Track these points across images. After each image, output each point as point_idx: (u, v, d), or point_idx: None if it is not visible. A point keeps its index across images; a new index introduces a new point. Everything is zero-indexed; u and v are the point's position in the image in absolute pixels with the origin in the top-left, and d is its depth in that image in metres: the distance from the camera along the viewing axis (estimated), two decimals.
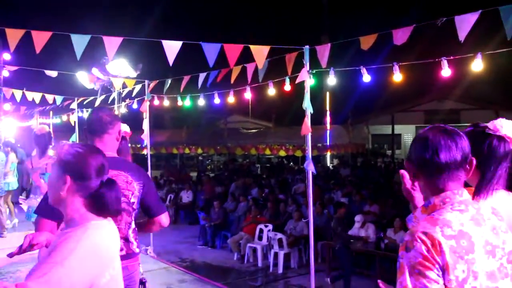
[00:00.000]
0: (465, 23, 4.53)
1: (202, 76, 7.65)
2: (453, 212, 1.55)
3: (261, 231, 9.73)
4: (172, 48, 5.73)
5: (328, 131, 17.15)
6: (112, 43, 5.54)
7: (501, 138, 2.05)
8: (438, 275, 1.45)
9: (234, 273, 8.85)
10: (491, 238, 1.55)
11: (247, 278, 8.57)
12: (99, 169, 1.90)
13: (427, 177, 1.63)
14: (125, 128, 3.81)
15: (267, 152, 21.02)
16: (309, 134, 5.81)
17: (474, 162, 1.66)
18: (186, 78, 8.11)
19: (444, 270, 1.46)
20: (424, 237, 1.48)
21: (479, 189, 1.95)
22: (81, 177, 1.86)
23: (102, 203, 1.88)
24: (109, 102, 10.70)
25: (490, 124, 2.12)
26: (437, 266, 1.45)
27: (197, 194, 14.59)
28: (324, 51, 5.72)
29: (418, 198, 1.74)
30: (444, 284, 1.46)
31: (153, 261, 7.59)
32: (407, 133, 30.65)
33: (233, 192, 13.24)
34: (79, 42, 5.42)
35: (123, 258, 3.09)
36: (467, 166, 1.63)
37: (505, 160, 2.02)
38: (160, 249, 9.77)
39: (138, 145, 21.28)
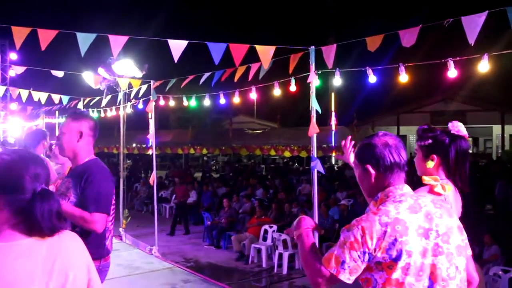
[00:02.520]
0: (472, 24, 4.50)
1: (206, 74, 7.65)
2: (393, 203, 1.85)
3: (265, 231, 9.73)
4: (177, 47, 5.74)
5: (333, 132, 17.12)
6: (117, 42, 5.56)
7: (465, 138, 2.42)
8: (359, 256, 1.78)
9: (238, 273, 8.85)
10: (423, 222, 1.83)
11: (252, 278, 8.57)
12: (32, 178, 1.59)
13: (385, 175, 1.93)
14: None
15: (272, 152, 21.02)
16: (314, 135, 5.80)
17: (436, 159, 2.13)
18: (189, 78, 8.12)
19: (377, 250, 1.77)
20: (362, 224, 1.80)
21: (463, 184, 2.38)
22: (7, 189, 1.55)
23: (31, 219, 1.55)
24: (117, 103, 10.72)
25: (452, 127, 2.44)
26: (365, 249, 1.77)
27: (201, 194, 14.61)
28: (330, 52, 5.71)
29: None
30: (379, 261, 1.78)
31: (158, 261, 7.60)
32: (413, 134, 30.54)
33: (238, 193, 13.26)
34: (84, 40, 5.44)
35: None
36: (406, 168, 1.96)
37: (468, 157, 2.42)
38: (165, 249, 9.79)
39: (144, 145, 21.35)
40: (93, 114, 12.17)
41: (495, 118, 23.79)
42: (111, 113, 11.64)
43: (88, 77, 9.58)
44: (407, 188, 1.94)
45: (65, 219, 2.18)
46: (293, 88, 6.75)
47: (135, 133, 19.93)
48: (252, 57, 6.20)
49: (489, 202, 14.42)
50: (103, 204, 2.89)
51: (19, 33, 5.47)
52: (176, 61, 5.68)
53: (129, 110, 10.19)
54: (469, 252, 2.08)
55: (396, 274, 1.77)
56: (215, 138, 24.15)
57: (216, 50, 5.74)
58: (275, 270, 8.80)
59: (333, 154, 19.97)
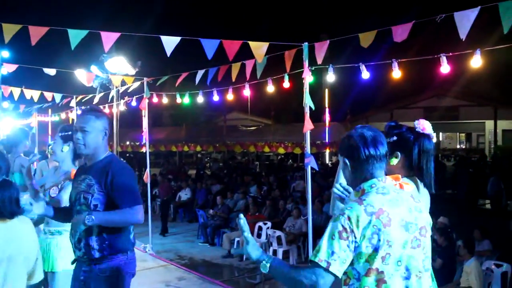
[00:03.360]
0: (464, 20, 4.51)
1: (200, 72, 7.62)
2: (377, 195, 1.92)
3: (260, 228, 9.74)
4: (170, 43, 5.72)
5: (327, 128, 17.13)
6: (109, 38, 5.53)
7: (429, 137, 2.45)
8: (348, 245, 1.82)
9: (233, 270, 8.85)
10: (405, 216, 1.91)
11: (246, 275, 8.57)
12: None
13: (362, 167, 1.99)
14: None
15: (266, 149, 21.01)
16: (308, 131, 5.80)
17: (400, 156, 2.25)
18: (183, 75, 8.08)
19: (361, 238, 1.82)
20: (348, 213, 1.85)
21: (429, 183, 2.42)
22: None
23: None
24: (108, 100, 10.67)
25: (417, 125, 2.46)
26: (352, 238, 1.82)
27: (196, 192, 14.59)
28: (322, 48, 5.70)
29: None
30: (361, 251, 1.83)
31: (152, 259, 7.59)
32: None
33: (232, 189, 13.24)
34: (76, 36, 5.40)
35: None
36: (387, 157, 2.03)
37: (433, 155, 2.46)
38: (159, 247, 9.76)
39: (137, 143, 21.27)
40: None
41: (488, 113, 23.94)
42: (104, 110, 11.59)
43: (81, 75, 9.53)
44: (389, 181, 2.00)
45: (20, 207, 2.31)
46: (286, 84, 6.74)
47: (129, 130, 19.87)
48: (245, 54, 6.18)
49: (482, 197, 14.51)
50: (136, 196, 3.01)
51: (10, 31, 5.42)
52: (168, 55, 5.65)
53: (122, 107, 10.15)
54: None
55: (377, 264, 1.84)
56: (209, 135, 24.10)
57: (209, 46, 5.72)
58: None
59: (327, 150, 20.01)
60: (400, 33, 4.96)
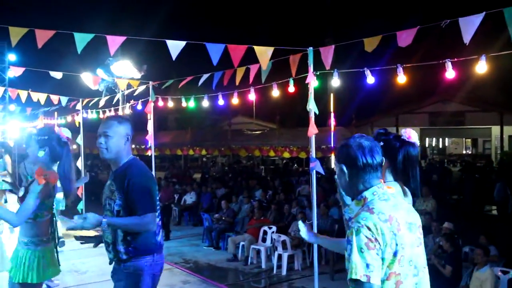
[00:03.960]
0: (469, 25, 4.51)
1: (205, 76, 7.65)
2: (381, 201, 2.01)
3: (265, 232, 9.73)
4: (176, 47, 5.74)
5: (332, 133, 17.11)
6: (115, 42, 5.56)
7: (414, 145, 2.56)
8: (377, 253, 1.87)
9: (237, 274, 8.85)
10: (407, 218, 2.03)
11: (251, 279, 8.56)
12: None
13: (359, 176, 2.06)
14: (66, 133, 3.89)
15: (271, 153, 20.99)
16: (313, 136, 5.80)
17: (385, 162, 2.23)
18: (188, 78, 8.11)
19: (385, 245, 1.89)
20: (366, 223, 1.90)
21: (412, 188, 2.55)
22: None
23: None
24: (113, 103, 10.72)
25: (404, 133, 2.58)
26: (378, 245, 1.87)
27: (201, 196, 14.60)
28: (328, 53, 5.71)
29: None
30: (383, 257, 1.89)
31: None
32: None
33: (237, 194, 13.25)
34: (82, 40, 5.45)
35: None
36: (382, 166, 2.10)
37: (417, 162, 2.59)
38: (164, 250, 9.78)
39: (143, 146, 21.31)
40: (92, 115, 12.17)
41: (494, 119, 23.82)
42: (109, 114, 11.64)
43: (87, 78, 9.59)
44: (385, 187, 2.10)
45: None
46: (291, 89, 6.75)
47: (134, 134, 19.89)
48: (250, 58, 6.20)
49: (489, 203, 14.43)
50: (149, 204, 3.04)
51: (17, 34, 5.46)
52: (174, 59, 5.68)
53: (128, 111, 10.19)
54: None
55: (395, 267, 1.93)
56: (214, 139, 24.12)
57: (214, 50, 5.75)
58: (274, 271, 8.79)
59: (333, 155, 19.96)
60: (405, 38, 4.96)
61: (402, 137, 2.57)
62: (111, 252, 3.15)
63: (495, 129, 25.37)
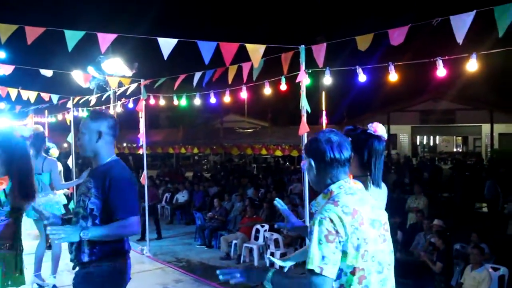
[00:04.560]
0: (461, 24, 4.53)
1: (197, 75, 7.62)
2: (347, 195, 2.03)
3: (257, 231, 9.73)
4: (167, 44, 5.71)
5: None
6: (106, 39, 5.52)
7: (379, 138, 2.64)
8: (336, 247, 1.90)
9: None
10: (371, 214, 2.03)
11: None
12: None
13: (327, 170, 2.10)
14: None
15: (263, 152, 20.98)
16: (305, 134, 5.80)
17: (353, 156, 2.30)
18: (181, 77, 8.08)
19: (346, 238, 1.92)
20: (329, 215, 1.93)
21: (375, 179, 2.61)
22: None
23: None
24: (102, 100, 10.64)
25: (370, 127, 2.67)
26: (338, 238, 1.90)
27: (193, 194, 14.57)
28: (320, 51, 5.71)
29: None
30: (346, 250, 1.92)
31: (149, 261, 7.58)
32: (403, 133, 30.71)
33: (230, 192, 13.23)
34: (72, 37, 5.40)
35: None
36: (351, 161, 2.14)
37: (382, 155, 2.67)
38: (156, 249, 9.74)
39: (134, 145, 21.24)
40: (83, 113, 12.09)
41: (484, 117, 24.00)
42: (108, 113, 11.56)
43: (78, 76, 9.52)
44: (352, 182, 2.14)
45: None
46: (283, 87, 6.75)
47: (126, 132, 19.83)
48: (242, 56, 6.18)
49: (479, 201, 14.53)
50: (132, 207, 2.93)
51: (6, 31, 5.41)
52: (165, 58, 5.65)
53: (119, 109, 10.14)
54: None
55: (359, 262, 1.95)
56: (206, 137, 24.06)
57: (206, 48, 5.72)
58: None
59: None
60: (397, 36, 4.98)
61: (368, 131, 2.66)
62: (73, 253, 2.97)
63: (486, 127, 25.56)
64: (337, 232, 1.91)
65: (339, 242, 1.91)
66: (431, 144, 37.33)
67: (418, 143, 35.00)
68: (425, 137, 36.35)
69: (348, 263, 1.94)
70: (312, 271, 1.88)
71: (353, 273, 1.94)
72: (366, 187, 2.54)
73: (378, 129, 2.68)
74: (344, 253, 1.93)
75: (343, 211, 1.95)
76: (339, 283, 1.96)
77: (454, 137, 35.99)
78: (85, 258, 2.92)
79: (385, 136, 2.71)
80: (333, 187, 2.09)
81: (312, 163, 2.14)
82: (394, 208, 10.59)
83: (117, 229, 2.88)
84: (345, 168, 2.11)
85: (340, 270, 1.95)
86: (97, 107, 11.42)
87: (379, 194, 2.64)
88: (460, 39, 4.50)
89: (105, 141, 3.06)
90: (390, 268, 2.08)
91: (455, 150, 35.76)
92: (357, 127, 2.73)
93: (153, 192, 13.63)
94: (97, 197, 2.92)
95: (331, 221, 1.92)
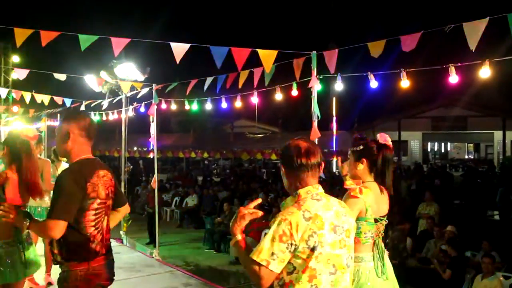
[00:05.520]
0: (474, 31, 4.52)
1: (209, 80, 7.67)
2: (312, 200, 2.17)
3: None
4: (179, 49, 5.76)
5: (334, 137, 17.11)
6: (119, 43, 5.59)
7: (389, 148, 2.86)
8: (287, 247, 2.05)
9: (238, 277, 8.84)
10: (334, 220, 2.17)
11: (252, 282, 8.54)
12: None
13: (295, 174, 2.23)
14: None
15: (273, 157, 20.95)
16: (316, 140, 5.81)
17: (365, 163, 2.83)
18: (192, 82, 8.12)
19: (300, 240, 2.05)
20: (289, 218, 2.08)
21: (389, 185, 2.87)
22: None
23: None
24: (114, 103, 10.71)
25: (380, 137, 2.89)
26: (291, 241, 2.05)
27: (203, 198, 14.60)
28: (332, 57, 5.72)
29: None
30: (299, 250, 2.06)
31: (158, 265, 7.60)
32: (414, 140, 30.50)
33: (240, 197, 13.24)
34: (86, 41, 5.47)
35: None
36: (320, 167, 2.27)
37: (392, 165, 2.93)
38: (165, 252, 9.78)
39: (145, 149, 21.33)
40: (95, 117, 12.19)
41: (496, 124, 23.76)
42: (112, 116, 11.67)
43: (90, 80, 9.61)
44: (321, 188, 2.26)
45: None
46: (295, 92, 6.76)
47: (137, 136, 19.94)
48: (254, 61, 6.21)
49: (491, 208, 14.38)
50: (58, 210, 2.76)
51: (21, 34, 5.49)
52: (178, 63, 5.69)
53: (131, 113, 10.21)
54: None
55: (312, 262, 2.09)
56: (216, 142, 24.12)
57: (218, 53, 5.76)
58: None
59: (334, 159, 19.93)
60: (409, 42, 4.97)
61: (379, 141, 2.87)
62: (51, 251, 2.95)
63: (498, 134, 25.30)
64: (291, 235, 2.05)
65: (291, 244, 2.06)
66: (442, 150, 37.08)
67: (429, 150, 34.78)
68: (436, 143, 36.11)
69: (302, 262, 2.08)
70: (256, 263, 2.06)
71: (304, 271, 2.08)
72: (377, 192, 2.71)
73: (387, 139, 2.87)
74: (298, 253, 2.07)
75: (304, 216, 2.09)
76: (290, 278, 2.11)
77: (466, 144, 35.70)
78: (58, 258, 2.91)
79: (391, 145, 2.94)
80: (301, 191, 2.22)
81: (282, 167, 2.31)
82: (405, 214, 10.54)
83: (39, 228, 2.92)
84: (313, 172, 2.24)
85: (293, 267, 2.10)
86: (109, 111, 11.53)
87: (384, 198, 2.83)
88: (473, 46, 4.48)
89: (75, 142, 2.93)
90: (344, 271, 2.18)
91: (466, 157, 35.47)
92: (364, 136, 2.93)
93: (150, 198, 13.59)
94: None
95: (290, 224, 2.06)
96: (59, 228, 2.75)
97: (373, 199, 2.83)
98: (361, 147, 2.88)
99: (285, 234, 2.06)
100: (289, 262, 2.11)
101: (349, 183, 2.84)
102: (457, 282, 7.22)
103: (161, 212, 14.99)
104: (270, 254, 2.05)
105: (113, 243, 8.39)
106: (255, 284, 2.15)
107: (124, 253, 7.96)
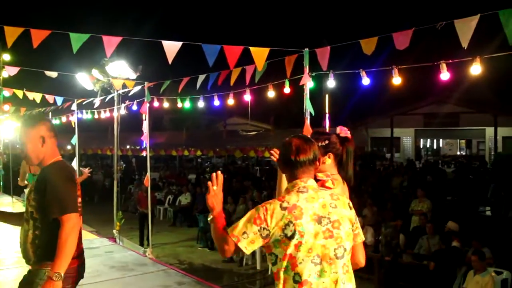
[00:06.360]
0: (465, 28, 4.53)
1: (201, 78, 7.64)
2: (296, 193, 2.26)
3: None
4: (171, 48, 5.73)
5: None
6: (111, 42, 5.55)
7: (351, 141, 2.94)
8: (259, 230, 2.18)
9: (232, 275, 8.85)
10: (318, 211, 2.23)
11: (246, 281, 8.56)
12: None
13: (289, 171, 2.35)
14: None
15: (266, 154, 20.96)
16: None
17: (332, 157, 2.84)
18: (185, 80, 8.10)
19: (274, 227, 2.17)
20: (267, 206, 2.22)
21: (350, 177, 2.91)
22: None
23: None
24: (106, 101, 10.66)
25: (340, 131, 2.97)
26: (263, 225, 2.17)
27: (196, 196, 14.58)
28: (324, 54, 5.72)
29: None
30: (277, 238, 2.16)
31: (152, 263, 7.58)
32: (406, 136, 30.65)
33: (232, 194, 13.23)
34: (77, 40, 5.43)
35: None
36: (316, 163, 2.37)
37: (353, 157, 2.97)
38: (159, 251, 9.76)
39: (138, 147, 21.28)
40: (87, 115, 12.13)
41: (488, 120, 23.93)
42: (104, 114, 11.61)
43: (82, 78, 9.56)
44: (311, 182, 2.33)
45: None
46: (287, 90, 6.76)
47: (129, 134, 19.88)
48: (246, 59, 6.20)
49: (482, 204, 14.49)
50: (69, 204, 2.79)
51: (12, 33, 5.44)
52: (170, 62, 5.67)
53: (123, 111, 10.16)
54: (359, 239, 2.39)
55: (290, 250, 2.17)
56: (209, 139, 24.10)
57: (211, 51, 5.74)
58: (269, 272, 8.80)
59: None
60: (402, 40, 4.98)
61: (340, 135, 2.96)
62: (22, 252, 2.91)
63: (489, 131, 25.50)
64: (265, 220, 2.18)
65: (263, 228, 2.18)
66: (435, 147, 37.27)
67: (421, 146, 34.94)
68: (428, 140, 36.29)
69: (281, 249, 2.19)
70: (227, 236, 2.22)
71: (284, 259, 2.18)
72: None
73: (348, 132, 2.99)
74: (277, 241, 2.18)
75: (281, 205, 2.21)
76: (276, 268, 2.22)
77: (458, 140, 35.93)
78: (31, 258, 2.88)
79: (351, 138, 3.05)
80: (289, 185, 2.34)
81: (279, 164, 2.45)
82: (397, 210, 10.59)
83: (65, 241, 2.72)
84: (305, 168, 2.33)
85: (275, 256, 2.22)
86: (101, 110, 11.47)
87: (346, 190, 2.93)
88: (465, 43, 4.49)
89: (48, 144, 2.98)
90: (331, 262, 2.22)
91: (458, 153, 35.69)
92: (324, 131, 3.11)
93: (144, 199, 13.52)
94: (35, 199, 2.86)
95: (266, 210, 2.20)
96: (77, 220, 2.81)
97: (341, 191, 2.91)
98: (327, 141, 2.95)
99: (259, 217, 2.19)
100: (271, 253, 2.23)
101: (321, 175, 2.85)
102: (448, 277, 7.27)
103: (154, 210, 14.95)
104: (242, 233, 2.19)
105: (106, 242, 8.39)
106: (218, 251, 2.30)
107: (117, 252, 7.94)
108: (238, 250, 2.22)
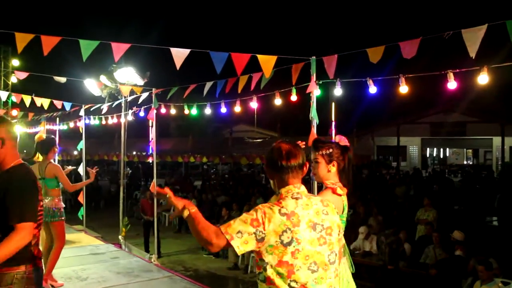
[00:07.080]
0: (473, 38, 4.53)
1: (208, 85, 7.68)
2: (292, 199, 2.27)
3: None
4: (179, 55, 5.77)
5: None
6: (119, 49, 5.60)
7: (349, 149, 3.06)
8: (254, 232, 2.15)
9: (237, 283, 8.83)
10: (313, 217, 2.26)
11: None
12: None
13: (278, 176, 2.35)
14: None
15: None
16: None
17: (336, 165, 3.04)
18: (191, 87, 8.14)
19: (270, 233, 2.15)
20: (266, 210, 2.21)
21: (349, 185, 3.03)
22: None
23: None
24: (113, 107, 10.72)
25: (340, 140, 3.09)
26: (259, 228, 2.15)
27: (201, 203, 14.59)
28: (331, 62, 5.74)
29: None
30: (272, 244, 2.15)
31: (157, 270, 7.58)
32: (413, 145, 30.55)
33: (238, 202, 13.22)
34: (87, 47, 5.48)
35: None
36: (304, 168, 2.38)
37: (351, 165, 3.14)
38: (164, 258, 9.76)
39: (144, 153, 21.34)
40: (95, 121, 12.20)
41: (495, 129, 23.82)
42: (112, 120, 11.67)
43: (90, 84, 9.63)
44: (303, 188, 2.36)
45: None
46: (294, 98, 6.77)
47: (136, 140, 19.96)
48: (253, 66, 6.22)
49: (489, 214, 14.39)
50: (28, 213, 2.75)
51: (22, 39, 5.50)
52: (178, 69, 5.71)
53: (130, 117, 10.21)
54: (341, 243, 2.43)
55: (287, 257, 2.16)
56: (215, 146, 24.13)
57: (218, 59, 5.78)
58: None
59: None
60: (409, 49, 4.98)
61: (341, 144, 3.07)
62: None
63: (497, 140, 25.36)
64: (263, 223, 2.17)
65: (259, 231, 2.16)
66: (441, 156, 37.11)
67: (428, 155, 34.80)
68: (435, 149, 36.14)
69: (275, 255, 2.16)
70: (221, 233, 2.17)
71: (278, 265, 2.16)
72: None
73: (347, 141, 3.10)
74: (270, 246, 2.16)
75: (280, 211, 2.20)
76: (266, 275, 2.19)
77: (465, 149, 35.75)
78: None
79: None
80: (282, 190, 2.33)
81: (267, 169, 2.43)
82: (403, 219, 10.54)
83: (11, 245, 2.68)
84: (294, 174, 2.34)
85: (266, 263, 2.18)
86: (108, 115, 11.53)
87: (343, 198, 3.01)
88: (473, 53, 4.49)
89: (8, 146, 2.90)
90: (326, 268, 2.24)
91: (465, 162, 35.50)
92: (326, 140, 3.17)
93: (150, 206, 13.48)
94: None
95: (264, 213, 2.19)
96: (31, 230, 2.75)
97: (332, 198, 2.99)
98: (331, 150, 3.04)
99: (257, 220, 2.17)
100: (261, 259, 2.20)
101: (329, 182, 2.99)
102: (452, 286, 7.22)
103: (160, 216, 14.97)
104: (236, 231, 2.16)
105: (112, 248, 8.40)
106: (202, 243, 2.23)
107: (123, 258, 7.94)
108: (228, 247, 2.18)
